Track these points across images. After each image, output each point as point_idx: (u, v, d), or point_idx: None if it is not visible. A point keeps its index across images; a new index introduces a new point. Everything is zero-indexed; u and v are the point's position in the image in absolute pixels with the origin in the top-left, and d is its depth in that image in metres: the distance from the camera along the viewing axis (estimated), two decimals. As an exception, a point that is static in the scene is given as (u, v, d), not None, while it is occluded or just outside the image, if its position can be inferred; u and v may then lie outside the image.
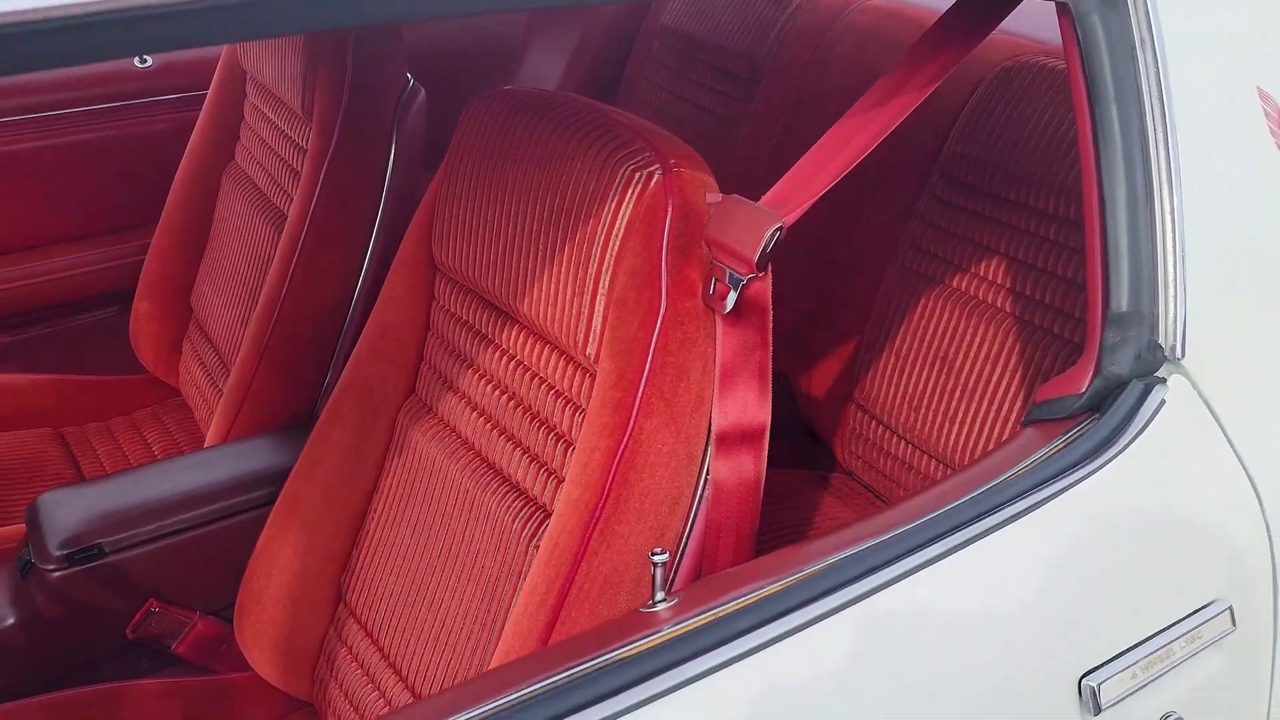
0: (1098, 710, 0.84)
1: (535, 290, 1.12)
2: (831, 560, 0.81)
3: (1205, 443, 0.94)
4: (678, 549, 1.04)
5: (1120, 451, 0.89)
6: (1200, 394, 0.94)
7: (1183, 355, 0.94)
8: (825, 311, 1.77)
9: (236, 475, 1.48)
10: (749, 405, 1.04)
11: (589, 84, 2.22)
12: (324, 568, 1.36)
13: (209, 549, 1.45)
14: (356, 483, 1.35)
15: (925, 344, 1.57)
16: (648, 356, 1.00)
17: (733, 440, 1.04)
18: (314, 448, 1.37)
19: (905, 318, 1.60)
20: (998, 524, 0.84)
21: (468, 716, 0.70)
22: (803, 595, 0.78)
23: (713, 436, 1.03)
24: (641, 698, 0.72)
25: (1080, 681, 0.84)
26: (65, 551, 1.37)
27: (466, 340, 1.25)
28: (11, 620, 1.36)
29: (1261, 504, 0.95)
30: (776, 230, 0.96)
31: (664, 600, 0.81)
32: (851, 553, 0.82)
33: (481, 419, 1.21)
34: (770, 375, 1.03)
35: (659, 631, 0.77)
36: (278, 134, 1.72)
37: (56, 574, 1.37)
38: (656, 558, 0.82)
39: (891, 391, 1.62)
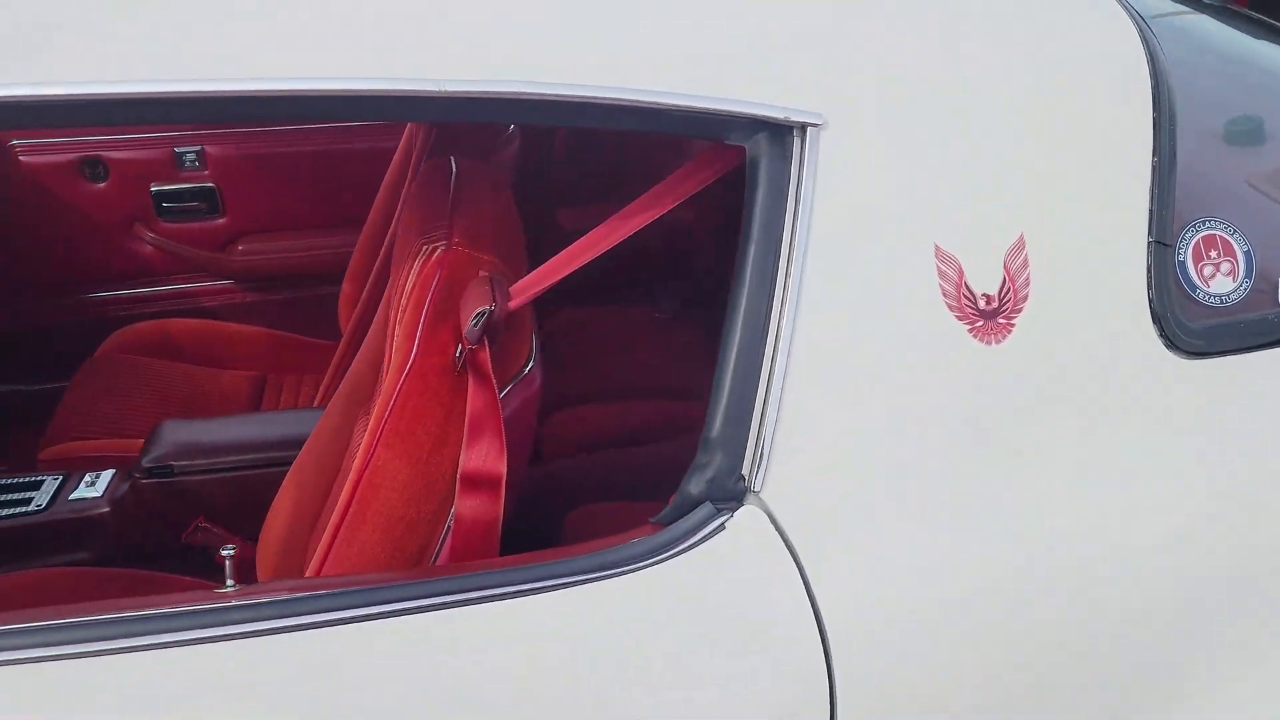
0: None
1: (391, 326, 1.36)
2: (349, 588, 0.99)
3: (768, 571, 0.97)
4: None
5: (653, 564, 0.96)
6: (776, 526, 0.97)
7: (760, 489, 0.98)
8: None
9: (285, 435, 1.84)
10: (489, 456, 1.20)
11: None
12: (307, 521, 1.68)
13: (250, 487, 1.81)
14: (333, 457, 1.66)
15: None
16: (393, 398, 1.20)
17: (474, 482, 1.21)
18: (319, 425, 1.69)
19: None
20: (509, 594, 0.96)
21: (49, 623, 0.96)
22: (306, 608, 0.96)
23: (459, 476, 1.21)
24: (173, 640, 0.94)
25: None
26: (149, 466, 1.80)
27: (387, 356, 1.50)
28: (106, 509, 1.82)
29: (825, 637, 0.96)
30: (482, 313, 1.13)
31: (233, 585, 1.03)
32: (382, 586, 0.99)
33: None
34: (503, 435, 1.19)
35: (213, 605, 0.99)
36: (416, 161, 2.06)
37: (141, 481, 1.81)
38: (224, 551, 1.04)
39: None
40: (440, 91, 0.96)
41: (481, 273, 1.21)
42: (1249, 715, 1.06)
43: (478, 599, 0.95)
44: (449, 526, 1.23)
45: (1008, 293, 1.01)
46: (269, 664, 0.95)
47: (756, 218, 1.00)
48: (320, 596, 0.97)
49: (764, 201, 1.00)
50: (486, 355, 1.16)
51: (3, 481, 1.89)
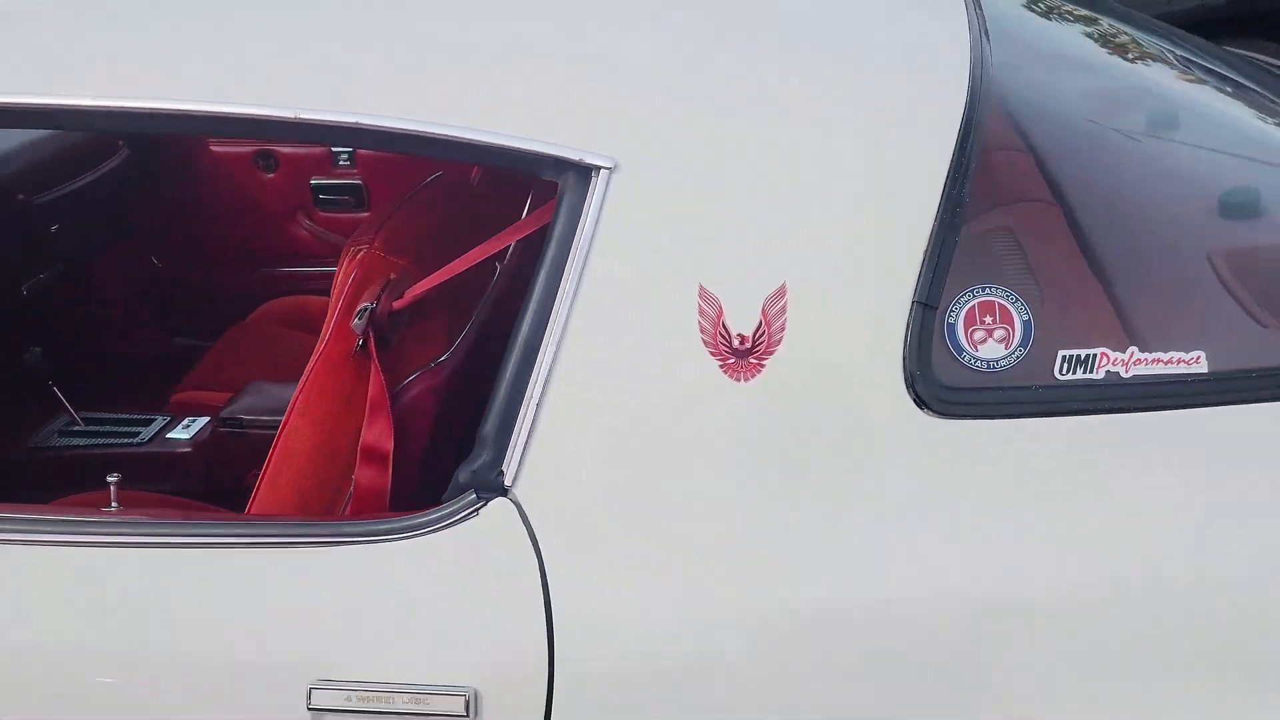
0: (309, 709, 1.10)
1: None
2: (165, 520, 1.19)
3: (510, 559, 1.08)
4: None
5: (410, 537, 1.09)
6: (525, 520, 1.08)
7: (513, 484, 1.10)
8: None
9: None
10: (381, 435, 1.38)
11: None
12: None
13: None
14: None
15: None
16: (308, 376, 1.40)
17: (370, 456, 1.39)
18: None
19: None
20: (276, 544, 1.13)
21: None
22: (135, 531, 1.17)
23: (359, 449, 1.40)
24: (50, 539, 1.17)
25: (310, 688, 1.10)
26: (224, 417, 2.10)
27: None
28: (189, 450, 2.13)
29: (552, 629, 1.06)
30: (362, 310, 1.31)
31: (116, 506, 1.25)
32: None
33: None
34: (390, 417, 1.36)
35: (93, 519, 1.22)
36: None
37: (218, 430, 2.11)
38: (110, 479, 1.27)
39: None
40: (295, 117, 1.15)
41: (392, 275, 1.39)
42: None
43: (242, 543, 1.14)
44: (350, 491, 1.42)
45: (762, 335, 1.08)
46: (115, 566, 1.17)
47: (551, 245, 1.12)
48: (144, 524, 1.19)
49: (559, 232, 1.12)
50: (372, 346, 1.34)
51: (124, 416, 2.26)
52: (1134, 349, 1.08)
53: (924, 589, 1.06)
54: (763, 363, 1.08)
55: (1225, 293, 1.17)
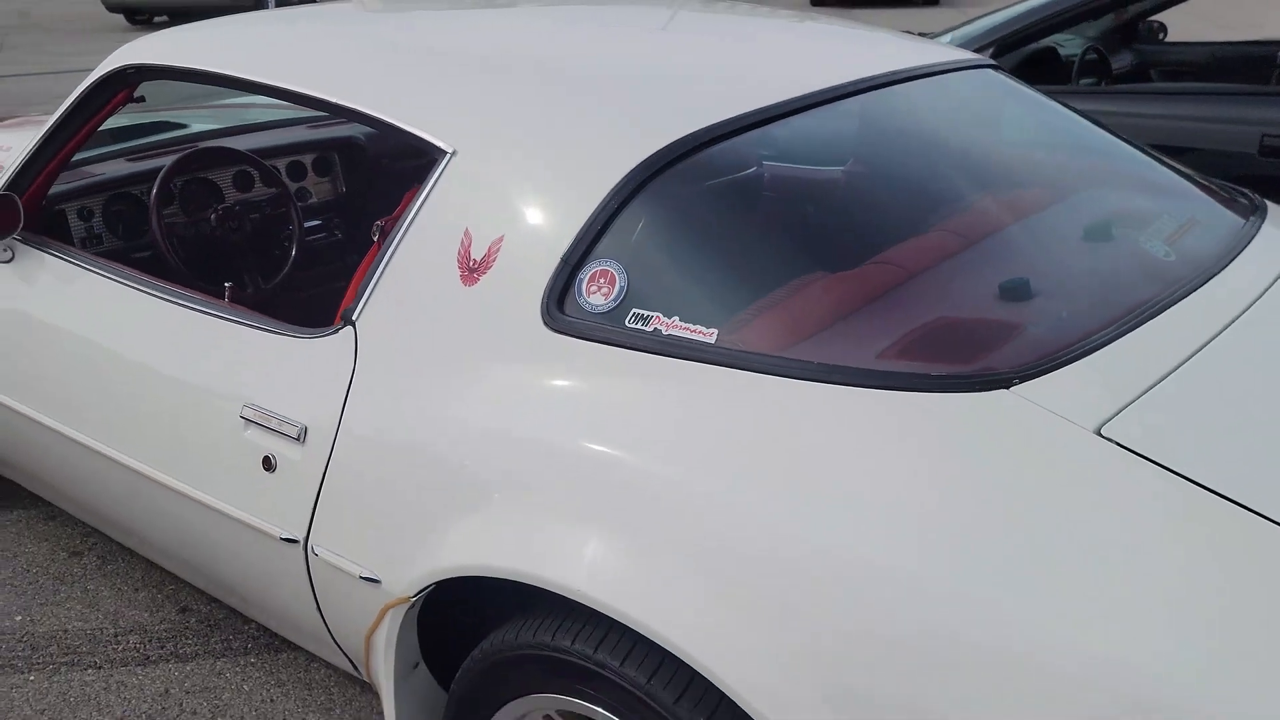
0: (239, 417, 1.98)
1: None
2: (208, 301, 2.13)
3: (340, 363, 1.88)
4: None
5: (299, 338, 1.94)
6: (355, 340, 1.87)
7: (358, 320, 1.89)
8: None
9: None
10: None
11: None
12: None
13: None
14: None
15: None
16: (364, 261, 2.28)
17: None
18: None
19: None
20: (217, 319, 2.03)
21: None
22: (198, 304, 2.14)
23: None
24: (167, 298, 2.21)
25: (243, 404, 1.99)
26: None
27: None
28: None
29: (343, 414, 1.85)
30: (377, 225, 2.16)
31: (225, 300, 2.23)
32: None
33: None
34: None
35: (201, 296, 2.22)
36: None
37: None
38: (226, 284, 2.24)
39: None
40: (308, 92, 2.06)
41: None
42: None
43: (230, 320, 2.06)
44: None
45: (484, 262, 1.79)
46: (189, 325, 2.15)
47: (418, 194, 1.92)
48: (204, 303, 2.15)
49: (426, 189, 1.91)
50: (377, 247, 2.20)
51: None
52: (676, 318, 1.65)
53: (481, 426, 1.72)
54: (478, 278, 1.79)
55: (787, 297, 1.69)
